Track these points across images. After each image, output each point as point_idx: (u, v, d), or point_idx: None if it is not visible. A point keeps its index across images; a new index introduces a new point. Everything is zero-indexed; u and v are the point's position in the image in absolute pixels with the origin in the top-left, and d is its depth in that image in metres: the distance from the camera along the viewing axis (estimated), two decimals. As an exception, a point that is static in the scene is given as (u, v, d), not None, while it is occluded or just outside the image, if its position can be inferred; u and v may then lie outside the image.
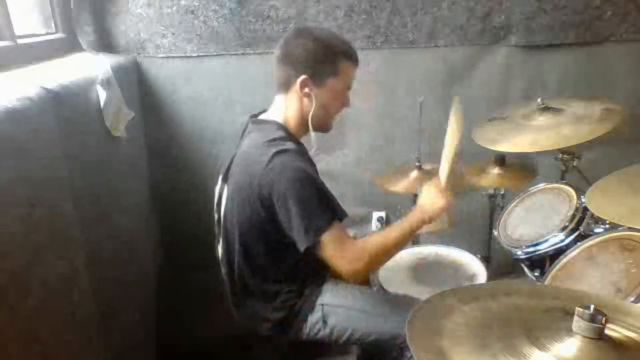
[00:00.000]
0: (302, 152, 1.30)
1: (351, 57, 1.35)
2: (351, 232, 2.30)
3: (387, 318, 1.31)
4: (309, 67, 1.31)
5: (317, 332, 1.32)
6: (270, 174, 1.21)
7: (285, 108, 1.36)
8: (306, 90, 1.33)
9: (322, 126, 1.40)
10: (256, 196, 1.24)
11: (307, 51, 1.32)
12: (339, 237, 1.22)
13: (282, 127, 1.35)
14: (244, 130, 1.42)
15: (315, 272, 1.45)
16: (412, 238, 1.39)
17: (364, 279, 1.33)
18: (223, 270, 1.44)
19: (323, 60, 1.31)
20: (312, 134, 1.38)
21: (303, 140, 1.39)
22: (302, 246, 1.20)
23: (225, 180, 1.39)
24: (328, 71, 1.32)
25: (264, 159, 1.22)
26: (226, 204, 1.37)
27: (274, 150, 1.23)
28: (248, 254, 1.33)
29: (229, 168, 1.38)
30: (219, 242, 1.44)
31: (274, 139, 1.28)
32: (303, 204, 1.18)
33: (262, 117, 1.40)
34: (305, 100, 1.34)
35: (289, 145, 1.26)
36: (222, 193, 1.40)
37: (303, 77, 1.31)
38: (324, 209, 1.21)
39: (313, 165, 1.35)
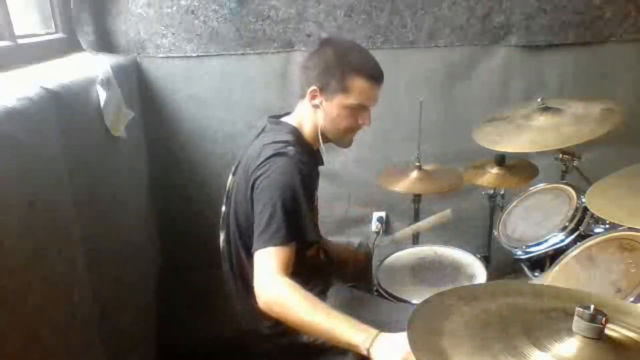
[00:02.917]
0: (304, 159, 1.27)
1: (367, 76, 1.30)
2: (354, 236, 2.32)
3: (393, 327, 1.31)
4: (320, 79, 1.31)
5: None
6: (260, 171, 1.23)
7: (300, 114, 1.39)
8: (315, 102, 1.33)
9: (335, 141, 1.39)
10: (250, 191, 1.25)
11: (321, 62, 1.32)
12: (279, 261, 1.15)
13: (295, 130, 1.35)
14: (262, 129, 1.42)
15: (319, 276, 1.45)
16: (331, 339, 1.11)
17: (260, 310, 1.16)
18: (224, 265, 1.44)
19: (333, 74, 1.30)
20: (321, 145, 1.38)
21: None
22: (254, 247, 1.19)
23: (234, 175, 1.41)
24: (337, 87, 1.30)
25: (262, 158, 1.24)
26: (230, 198, 1.39)
27: (272, 151, 1.24)
28: (249, 250, 1.33)
29: (238, 164, 1.39)
30: (221, 234, 1.45)
31: (279, 141, 1.28)
32: (273, 210, 1.17)
33: (282, 118, 1.41)
34: (316, 111, 1.34)
35: (290, 150, 1.25)
36: (230, 187, 1.41)
37: (312, 88, 1.32)
38: (288, 225, 1.17)
39: (313, 174, 1.34)
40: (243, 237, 1.33)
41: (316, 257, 1.52)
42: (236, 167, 1.41)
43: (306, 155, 1.30)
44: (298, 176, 1.21)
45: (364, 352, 1.04)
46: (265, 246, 1.16)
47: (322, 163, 1.49)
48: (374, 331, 1.06)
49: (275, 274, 1.13)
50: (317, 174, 1.46)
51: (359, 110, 1.34)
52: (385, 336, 1.05)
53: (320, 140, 1.37)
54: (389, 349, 1.02)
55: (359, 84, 1.30)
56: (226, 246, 1.42)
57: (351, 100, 1.31)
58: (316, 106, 1.34)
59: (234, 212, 1.35)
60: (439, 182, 1.90)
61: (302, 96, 1.36)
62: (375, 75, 1.32)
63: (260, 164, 1.24)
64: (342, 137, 1.39)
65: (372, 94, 1.33)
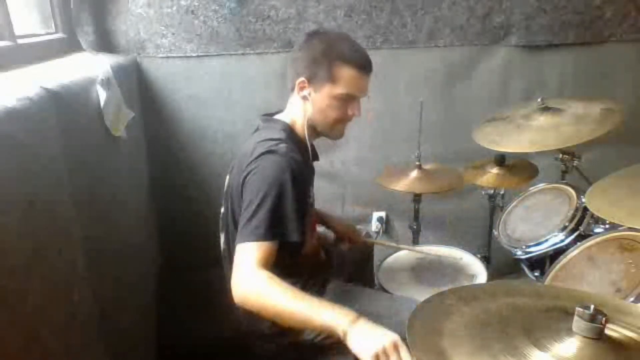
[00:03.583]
0: (296, 157, 1.26)
1: (355, 64, 1.30)
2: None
3: (391, 320, 1.31)
4: (307, 69, 1.31)
5: (320, 333, 1.31)
6: (251, 167, 1.23)
7: (292, 109, 1.38)
8: (303, 93, 1.33)
9: (324, 133, 1.39)
10: (241, 188, 1.25)
11: (308, 54, 1.31)
12: (259, 256, 1.13)
13: (287, 127, 1.35)
14: (256, 128, 1.42)
15: (318, 273, 1.45)
16: (309, 325, 1.10)
17: (236, 302, 1.13)
18: (225, 266, 1.44)
19: (321, 64, 1.29)
20: (307, 139, 1.36)
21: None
22: (237, 240, 1.18)
23: (230, 174, 1.41)
24: (324, 76, 1.30)
25: (254, 155, 1.24)
26: (227, 198, 1.39)
27: (264, 149, 1.24)
28: None
29: (234, 163, 1.39)
30: (221, 235, 1.45)
31: (271, 139, 1.28)
32: (257, 206, 1.17)
33: (275, 116, 1.41)
34: (305, 102, 1.34)
35: (282, 147, 1.25)
36: (227, 187, 1.42)
37: (300, 79, 1.32)
38: (269, 222, 1.16)
39: (305, 171, 1.33)
40: None
41: (316, 254, 1.52)
42: (232, 167, 1.41)
43: (298, 152, 1.30)
44: (288, 174, 1.20)
45: (341, 334, 1.01)
46: (244, 241, 1.15)
47: (317, 158, 1.49)
48: (353, 314, 1.04)
49: (252, 267, 1.11)
50: (311, 170, 1.45)
51: (348, 101, 1.33)
52: (366, 323, 1.03)
53: (306, 133, 1.35)
54: (367, 336, 1.00)
55: (346, 73, 1.29)
56: (226, 247, 1.42)
57: (339, 89, 1.30)
58: (305, 97, 1.33)
59: (232, 212, 1.34)
60: (439, 181, 1.90)
61: (292, 89, 1.36)
62: (363, 64, 1.31)
63: (252, 161, 1.23)
64: (332, 128, 1.38)
65: (360, 83, 1.33)
